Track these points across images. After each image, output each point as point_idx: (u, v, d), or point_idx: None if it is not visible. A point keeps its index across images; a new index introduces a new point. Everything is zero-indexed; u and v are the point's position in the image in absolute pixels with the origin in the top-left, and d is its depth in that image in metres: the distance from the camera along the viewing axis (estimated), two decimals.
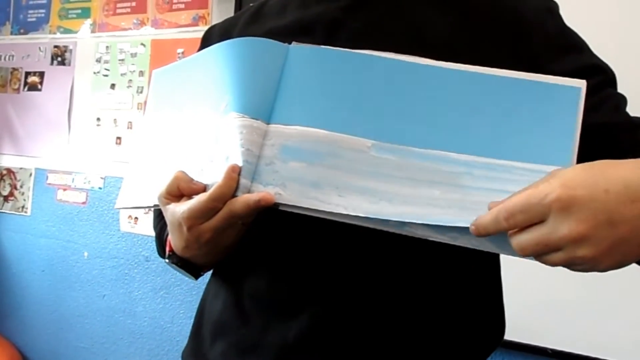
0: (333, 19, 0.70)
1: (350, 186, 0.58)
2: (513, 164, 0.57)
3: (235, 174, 0.58)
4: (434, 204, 0.57)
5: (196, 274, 0.70)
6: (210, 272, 0.76)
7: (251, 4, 0.83)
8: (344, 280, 0.64)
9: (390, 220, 0.56)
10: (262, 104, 0.62)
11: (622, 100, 0.67)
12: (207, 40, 0.82)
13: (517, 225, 0.48)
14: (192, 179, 0.62)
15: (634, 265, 0.67)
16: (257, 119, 0.61)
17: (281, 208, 0.59)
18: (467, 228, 0.53)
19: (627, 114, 0.67)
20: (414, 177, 0.58)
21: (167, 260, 0.68)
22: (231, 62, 0.64)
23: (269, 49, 0.64)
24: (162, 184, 0.64)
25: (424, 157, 0.58)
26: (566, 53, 0.66)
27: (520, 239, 0.48)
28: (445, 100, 0.60)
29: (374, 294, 0.64)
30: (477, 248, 0.55)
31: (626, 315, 1.39)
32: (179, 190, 0.62)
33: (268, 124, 0.61)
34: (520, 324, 1.42)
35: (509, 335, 0.73)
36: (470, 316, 0.67)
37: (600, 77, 0.66)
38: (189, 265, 0.68)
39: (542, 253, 0.48)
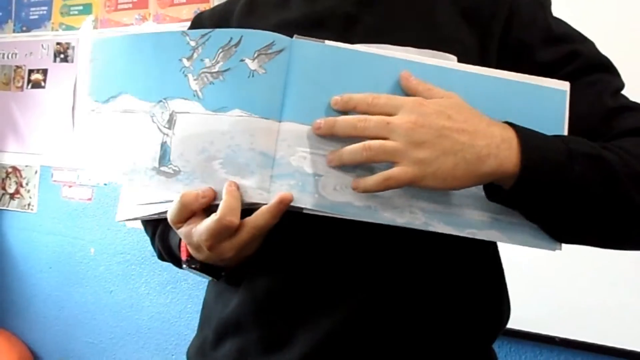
0: (347, 13, 0.69)
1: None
2: None
3: (231, 187, 0.57)
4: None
5: (218, 275, 0.68)
6: None
7: None
8: (355, 274, 0.65)
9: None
10: (269, 101, 0.58)
11: (612, 86, 0.65)
12: (197, 27, 0.76)
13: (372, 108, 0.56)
14: (198, 193, 0.58)
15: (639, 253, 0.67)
16: (267, 118, 0.58)
17: (305, 212, 0.57)
18: (485, 223, 0.58)
19: (613, 100, 0.64)
20: None
21: (185, 266, 0.66)
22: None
23: (273, 42, 0.59)
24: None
25: None
26: (555, 43, 0.67)
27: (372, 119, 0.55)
28: None
29: (384, 289, 0.65)
30: (493, 240, 0.60)
31: (632, 302, 1.39)
32: (191, 212, 0.59)
33: (280, 121, 0.58)
34: (527, 313, 1.42)
35: (516, 325, 0.73)
36: (472, 302, 0.68)
37: (581, 64, 0.65)
38: (209, 268, 0.66)
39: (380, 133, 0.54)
